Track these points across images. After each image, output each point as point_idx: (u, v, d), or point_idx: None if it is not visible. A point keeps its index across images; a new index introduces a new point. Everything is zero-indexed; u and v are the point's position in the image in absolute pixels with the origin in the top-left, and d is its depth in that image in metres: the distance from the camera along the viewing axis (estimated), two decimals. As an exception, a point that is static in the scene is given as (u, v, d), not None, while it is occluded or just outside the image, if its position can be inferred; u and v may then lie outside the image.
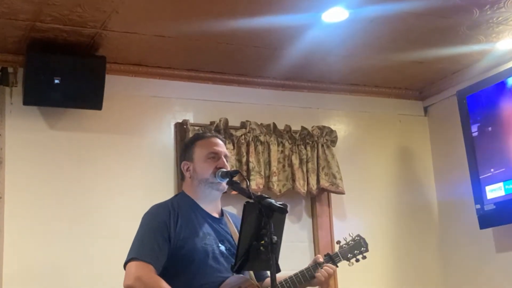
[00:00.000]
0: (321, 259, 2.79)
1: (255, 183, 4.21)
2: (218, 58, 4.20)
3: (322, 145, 4.51)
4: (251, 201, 2.39)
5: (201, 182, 2.73)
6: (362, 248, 2.94)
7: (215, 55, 4.15)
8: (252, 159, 4.24)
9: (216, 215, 2.78)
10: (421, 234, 4.82)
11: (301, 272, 2.73)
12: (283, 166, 4.41)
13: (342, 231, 3.33)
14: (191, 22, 3.64)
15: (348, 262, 2.90)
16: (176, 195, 2.90)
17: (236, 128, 4.32)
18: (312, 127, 4.53)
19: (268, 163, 4.33)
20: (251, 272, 2.72)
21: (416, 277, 4.72)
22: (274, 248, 2.27)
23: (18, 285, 3.71)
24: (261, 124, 4.38)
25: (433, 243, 4.85)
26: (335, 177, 4.46)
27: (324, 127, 4.57)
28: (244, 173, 4.17)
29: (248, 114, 4.42)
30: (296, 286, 2.70)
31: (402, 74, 4.64)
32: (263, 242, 2.30)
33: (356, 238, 2.96)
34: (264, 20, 3.62)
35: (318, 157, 4.47)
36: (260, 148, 4.32)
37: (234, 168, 4.01)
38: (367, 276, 4.44)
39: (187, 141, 3.03)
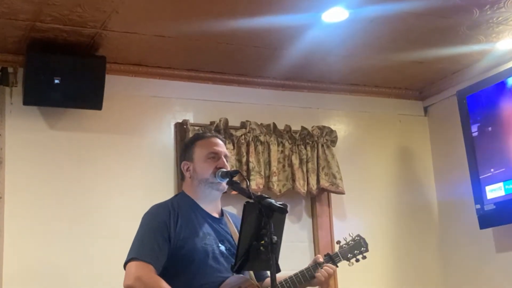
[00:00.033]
0: (321, 259, 2.79)
1: (255, 183, 4.21)
2: (218, 58, 4.20)
3: (322, 145, 4.51)
4: (251, 201, 2.39)
5: (201, 182, 2.73)
6: (362, 248, 2.94)
7: (215, 55, 4.15)
8: (252, 159, 4.25)
9: (216, 215, 2.78)
10: (421, 234, 4.82)
11: (301, 272, 2.73)
12: (283, 166, 4.41)
13: (342, 231, 3.33)
14: (191, 22, 3.64)
15: (348, 262, 2.90)
16: (176, 195, 2.90)
17: (236, 128, 4.32)
18: (312, 127, 4.53)
19: (268, 163, 4.33)
20: (251, 272, 2.72)
21: (416, 277, 4.72)
22: (274, 248, 2.27)
23: (18, 285, 3.71)
24: (261, 124, 4.38)
25: (433, 243, 4.85)
26: (335, 177, 4.46)
27: (324, 127, 4.57)
28: (244, 173, 4.17)
29: (248, 114, 4.43)
30: (296, 286, 2.70)
31: (402, 74, 4.64)
32: (263, 242, 2.30)
33: (356, 238, 2.96)
34: (264, 20, 3.62)
35: (318, 157, 4.48)
36: (260, 148, 4.32)
37: (234, 168, 4.01)
38: (367, 276, 4.44)
39: (187, 141, 3.03)
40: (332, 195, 4.57)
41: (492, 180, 4.17)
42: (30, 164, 3.89)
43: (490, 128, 4.24)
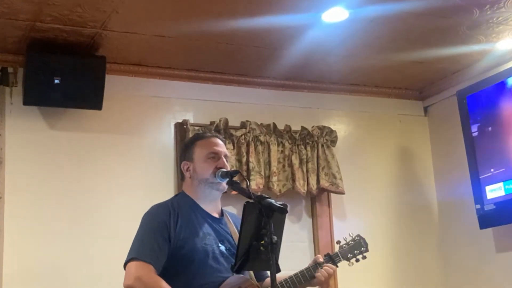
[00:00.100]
0: (321, 259, 2.79)
1: (255, 183, 4.21)
2: (218, 58, 4.20)
3: (322, 145, 4.51)
4: (251, 201, 2.39)
5: (201, 182, 2.73)
6: (362, 248, 2.94)
7: (215, 55, 4.15)
8: (252, 159, 4.24)
9: (216, 215, 2.78)
10: (421, 234, 4.82)
11: (301, 272, 2.73)
12: (283, 166, 4.41)
13: (342, 231, 3.33)
14: (191, 22, 3.63)
15: (348, 262, 2.90)
16: (176, 195, 2.90)
17: (236, 128, 4.32)
18: (312, 127, 4.53)
19: (268, 163, 4.33)
20: (251, 272, 2.72)
21: (416, 277, 4.72)
22: (274, 248, 2.27)
23: (18, 285, 3.71)
24: (261, 124, 4.38)
25: (433, 243, 4.85)
26: (335, 177, 4.46)
27: (324, 127, 4.57)
28: (244, 173, 4.17)
29: (248, 114, 4.43)
30: (296, 286, 2.70)
31: (402, 74, 4.64)
32: (263, 242, 2.30)
33: (356, 238, 2.96)
34: (264, 20, 3.62)
35: (318, 157, 4.47)
36: (260, 148, 4.32)
37: (234, 168, 4.01)
38: (367, 276, 4.44)
39: (187, 141, 3.03)
40: (332, 195, 4.57)
41: (492, 180, 4.17)
42: (30, 164, 3.89)
43: (490, 128, 4.24)
